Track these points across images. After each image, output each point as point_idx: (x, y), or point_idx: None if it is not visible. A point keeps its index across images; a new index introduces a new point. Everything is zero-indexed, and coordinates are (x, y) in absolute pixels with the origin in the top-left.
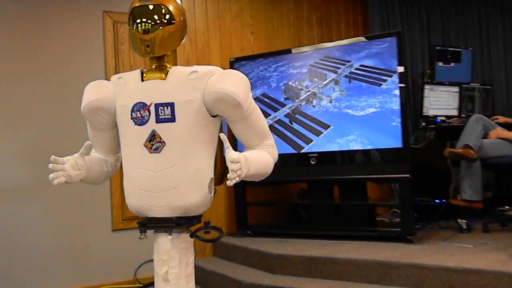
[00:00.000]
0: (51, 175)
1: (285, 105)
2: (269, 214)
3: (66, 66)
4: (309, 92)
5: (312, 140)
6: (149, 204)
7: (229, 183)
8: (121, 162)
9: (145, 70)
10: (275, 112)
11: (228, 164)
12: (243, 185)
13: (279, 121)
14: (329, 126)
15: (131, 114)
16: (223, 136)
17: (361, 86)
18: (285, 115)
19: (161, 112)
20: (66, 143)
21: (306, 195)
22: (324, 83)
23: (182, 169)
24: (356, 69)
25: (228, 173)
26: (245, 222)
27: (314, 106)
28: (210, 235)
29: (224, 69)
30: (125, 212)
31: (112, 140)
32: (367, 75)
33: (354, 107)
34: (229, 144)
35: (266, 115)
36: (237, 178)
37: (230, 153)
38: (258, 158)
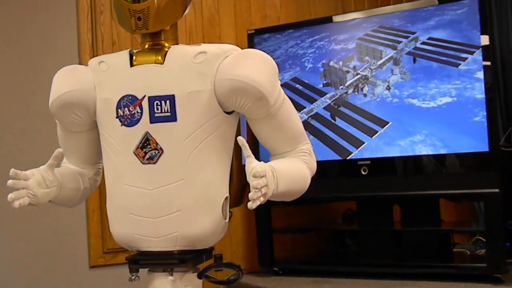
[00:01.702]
0: (10, 195)
1: (325, 93)
2: (302, 245)
3: (23, 45)
4: (358, 76)
5: (363, 143)
6: (142, 233)
7: (251, 205)
8: (103, 176)
9: (135, 51)
10: (311, 103)
11: (250, 179)
12: (267, 206)
13: (317, 116)
14: (387, 123)
15: (117, 111)
16: (242, 141)
17: (430, 67)
18: (324, 108)
19: (157, 109)
20: (29, 151)
21: (354, 217)
22: (379, 63)
23: (187, 185)
24: (424, 43)
25: (249, 191)
26: (271, 255)
27: (365, 95)
28: (223, 273)
29: (241, 47)
30: (106, 242)
31: (91, 146)
32: (438, 52)
33: (421, 96)
34: (250, 151)
35: (299, 108)
36: (262, 199)
37: (252, 164)
38: (289, 170)
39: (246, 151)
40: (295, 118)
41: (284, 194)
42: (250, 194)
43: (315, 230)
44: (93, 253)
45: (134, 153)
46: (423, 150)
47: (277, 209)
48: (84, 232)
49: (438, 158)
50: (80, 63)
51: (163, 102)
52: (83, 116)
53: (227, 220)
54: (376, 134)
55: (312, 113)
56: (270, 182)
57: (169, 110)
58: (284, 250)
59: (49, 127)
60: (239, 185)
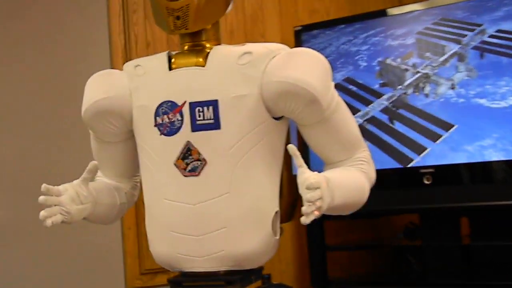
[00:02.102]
0: (42, 213)
1: (382, 94)
2: (359, 263)
3: (53, 52)
4: (419, 74)
5: (425, 148)
6: (184, 252)
7: (304, 220)
8: (141, 190)
9: (173, 53)
10: (367, 106)
11: (302, 191)
12: (320, 220)
13: (373, 120)
14: (452, 126)
15: (155, 119)
16: (293, 149)
17: (500, 63)
18: (381, 110)
19: (199, 115)
20: (62, 164)
21: (417, 232)
22: (442, 59)
23: (233, 199)
24: (492, 36)
25: (301, 204)
26: (324, 275)
27: (427, 96)
28: None
29: (289, 46)
30: (144, 262)
31: (127, 158)
32: (509, 46)
33: (490, 95)
34: (302, 160)
35: (353, 111)
36: (316, 213)
37: (304, 175)
38: (346, 181)
39: (298, 160)
40: (351, 123)
41: (340, 207)
42: (303, 208)
43: (374, 246)
44: (130, 274)
45: (174, 164)
46: (494, 155)
47: (331, 224)
48: (120, 251)
49: (511, 165)
50: (112, 68)
51: (205, 108)
52: (119, 125)
53: (277, 237)
54: (440, 139)
55: (368, 116)
56: (325, 194)
57: (212, 117)
58: (339, 269)
59: (83, 138)
60: (290, 198)
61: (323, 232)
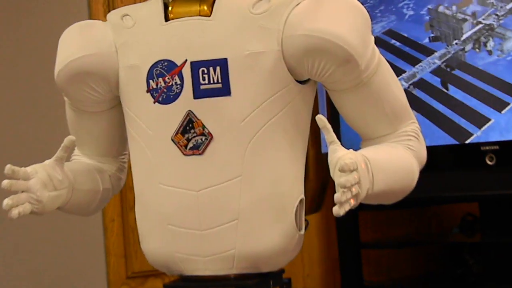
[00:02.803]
0: (6, 201)
1: (433, 51)
2: (403, 264)
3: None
4: (480, 26)
5: (488, 120)
6: (185, 251)
7: (338, 211)
8: (129, 173)
9: (170, 0)
10: (413, 66)
11: (335, 174)
12: (354, 211)
13: (422, 84)
14: None
15: (148, 83)
16: (323, 121)
17: None
18: (432, 72)
19: (204, 78)
20: (31, 140)
21: (476, 226)
22: (510, 7)
23: (246, 184)
24: None
25: (334, 191)
26: (359, 279)
27: (490, 53)
28: None
29: None
30: (131, 263)
31: (112, 132)
32: None
33: None
34: (334, 135)
35: (396, 72)
36: (352, 202)
37: (337, 153)
38: (390, 162)
39: (329, 135)
40: (396, 88)
41: (382, 195)
42: (336, 196)
43: (421, 243)
44: (114, 277)
45: (172, 140)
46: None
47: (367, 216)
48: (101, 250)
49: None
50: (91, 18)
51: (211, 69)
52: (101, 90)
53: (302, 232)
54: (507, 108)
55: (415, 79)
56: (363, 178)
57: (219, 80)
58: (378, 271)
59: (56, 107)
60: (317, 182)
61: (357, 226)
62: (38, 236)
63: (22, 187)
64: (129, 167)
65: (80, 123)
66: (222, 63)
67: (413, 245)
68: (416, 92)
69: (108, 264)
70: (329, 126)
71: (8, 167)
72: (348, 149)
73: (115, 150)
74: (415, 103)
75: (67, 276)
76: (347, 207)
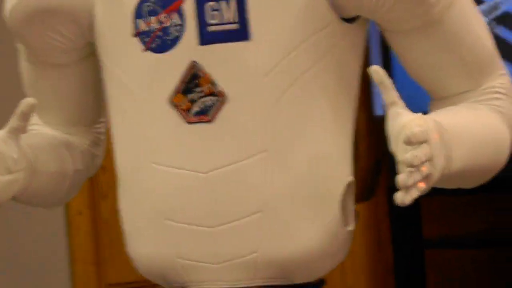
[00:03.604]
0: None
1: None
2: (480, 268)
3: None
4: None
5: None
6: (190, 256)
7: (402, 198)
8: (108, 148)
9: None
10: None
11: (397, 147)
12: (415, 199)
13: (507, 19)
14: None
15: (136, 24)
16: (379, 74)
17: None
18: None
19: (213, 17)
20: None
21: None
22: None
23: (274, 163)
24: None
25: (393, 172)
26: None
27: None
28: None
29: None
30: (106, 271)
31: (84, 92)
32: None
33: None
34: (395, 94)
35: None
36: (422, 186)
37: (401, 118)
38: (473, 130)
39: (389, 93)
40: (479, 28)
41: (461, 175)
42: (400, 178)
43: (504, 243)
44: None
45: (170, 102)
46: None
47: (432, 205)
48: (63, 254)
49: None
50: None
51: (223, 3)
52: (69, 34)
53: (350, 228)
54: None
55: (497, 12)
56: (437, 153)
57: (235, 19)
58: (447, 280)
59: (9, 58)
60: (369, 159)
61: (419, 219)
62: None
63: None
64: (107, 141)
65: (41, 80)
66: None
67: (494, 245)
68: (499, 30)
69: (74, 274)
70: (388, 81)
71: None
72: (417, 113)
73: (88, 116)
74: (498, 46)
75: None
76: (414, 194)
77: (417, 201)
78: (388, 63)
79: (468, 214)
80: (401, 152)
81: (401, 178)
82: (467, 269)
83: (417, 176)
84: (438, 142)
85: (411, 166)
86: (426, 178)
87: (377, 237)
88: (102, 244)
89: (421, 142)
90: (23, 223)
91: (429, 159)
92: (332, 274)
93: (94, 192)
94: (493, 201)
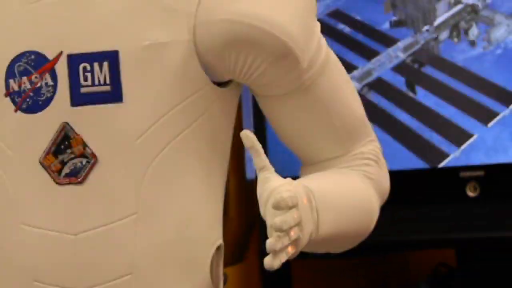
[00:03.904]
0: (270, 242)
1: (396, 41)
2: None
3: None
4: (460, 7)
5: (470, 136)
6: None
7: (270, 263)
8: None
9: None
10: (368, 60)
11: (267, 212)
12: (286, 261)
13: (379, 85)
14: None
15: (7, 84)
16: (250, 138)
17: None
18: (394, 69)
19: (86, 78)
20: None
21: (451, 281)
22: None
23: (144, 225)
24: None
25: (261, 235)
26: None
27: (473, 44)
28: None
29: None
30: None
31: None
32: None
33: None
34: (265, 159)
35: (345, 68)
36: (290, 250)
37: (270, 183)
38: (342, 195)
39: (259, 158)
40: (349, 94)
41: (330, 240)
42: (269, 242)
43: None
44: None
45: (40, 163)
46: None
47: (303, 266)
48: None
49: None
50: None
51: (96, 65)
52: None
53: None
54: (495, 120)
55: (370, 78)
56: (305, 218)
57: (107, 81)
58: None
59: None
60: (240, 222)
61: (289, 281)
62: None
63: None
64: None
65: None
66: (112, 57)
67: None
68: (372, 96)
69: None
70: (258, 146)
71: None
72: (286, 177)
73: None
74: (370, 111)
75: None
76: (283, 258)
77: (288, 263)
78: (262, 127)
79: (338, 276)
80: (270, 217)
81: (270, 242)
82: None
83: (285, 241)
84: (307, 207)
85: (280, 230)
86: (294, 242)
87: None
88: None
89: (290, 207)
90: None
91: (298, 224)
92: None
93: None
94: (362, 264)
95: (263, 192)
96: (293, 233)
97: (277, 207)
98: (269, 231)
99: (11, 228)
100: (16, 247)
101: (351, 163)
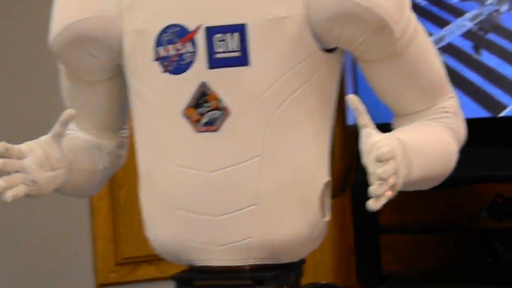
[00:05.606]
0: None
1: (463, 12)
2: (426, 251)
3: None
4: None
5: None
6: (197, 239)
7: (373, 204)
8: (132, 149)
9: None
10: (441, 28)
11: (370, 163)
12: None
13: (450, 49)
14: None
15: (156, 51)
16: (355, 101)
17: None
18: (463, 35)
19: (220, 46)
20: (25, 114)
21: (507, 209)
22: None
23: (267, 165)
24: None
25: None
26: (376, 267)
27: None
28: None
29: None
30: (122, 247)
31: (113, 104)
32: None
33: None
34: (367, 118)
35: None
36: (389, 194)
37: (372, 139)
38: (428, 145)
39: (362, 117)
40: (434, 59)
41: (419, 181)
42: (372, 189)
43: (445, 229)
44: (101, 264)
45: (183, 115)
46: None
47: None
48: (87, 232)
49: None
50: None
51: (228, 35)
52: (102, 57)
53: (327, 219)
54: None
55: (443, 43)
56: (400, 167)
57: (238, 48)
58: (397, 259)
59: (49, 77)
60: (342, 163)
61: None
62: (15, 217)
63: (17, 166)
64: (131, 143)
65: (78, 94)
66: (241, 29)
67: (437, 231)
68: (444, 57)
69: (95, 249)
70: (361, 107)
71: (2, 145)
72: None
73: (115, 124)
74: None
75: (49, 262)
76: (383, 201)
77: None
78: (356, 86)
79: (415, 205)
80: (373, 167)
81: (373, 189)
82: (414, 250)
83: (385, 187)
84: (402, 157)
85: (381, 179)
86: (392, 187)
87: (341, 222)
88: (119, 225)
89: (388, 159)
90: (54, 209)
91: (395, 172)
92: None
93: (113, 183)
94: (435, 195)
95: (365, 145)
96: (391, 180)
97: (380, 160)
98: (371, 178)
99: (161, 167)
100: (165, 182)
101: (435, 116)
